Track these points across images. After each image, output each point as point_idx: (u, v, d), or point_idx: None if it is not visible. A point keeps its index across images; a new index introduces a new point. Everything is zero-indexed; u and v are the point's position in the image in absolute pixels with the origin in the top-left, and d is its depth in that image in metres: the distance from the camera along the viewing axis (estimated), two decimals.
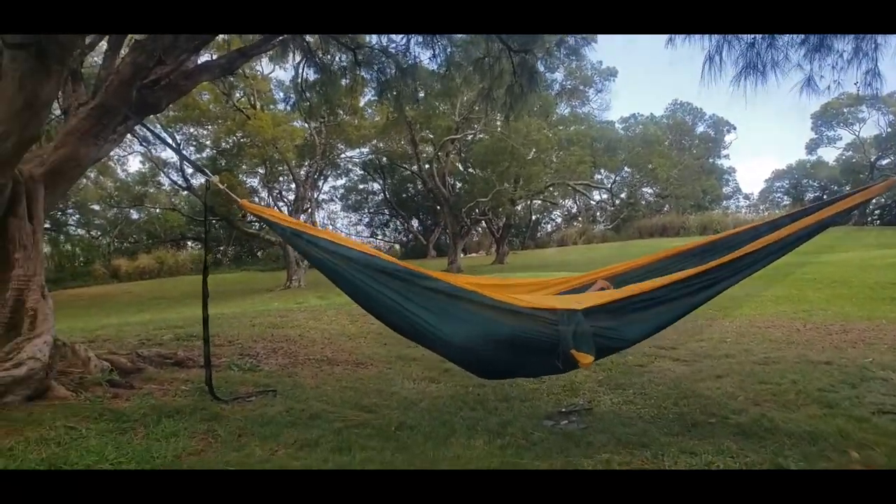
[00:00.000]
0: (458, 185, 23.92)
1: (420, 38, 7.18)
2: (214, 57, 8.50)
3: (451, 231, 22.32)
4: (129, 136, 13.16)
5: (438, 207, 24.98)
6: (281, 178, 23.91)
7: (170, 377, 4.54)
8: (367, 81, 8.51)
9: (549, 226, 39.49)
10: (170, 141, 17.16)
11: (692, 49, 4.58)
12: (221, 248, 29.60)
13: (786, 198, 39.37)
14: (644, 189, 39.01)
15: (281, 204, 23.76)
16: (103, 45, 6.00)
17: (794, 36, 4.51)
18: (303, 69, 8.43)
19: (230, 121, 18.22)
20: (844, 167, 34.57)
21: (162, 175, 22.38)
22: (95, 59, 9.44)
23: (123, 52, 5.22)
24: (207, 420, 3.53)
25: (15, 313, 4.02)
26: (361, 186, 33.95)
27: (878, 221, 30.58)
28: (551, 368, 3.27)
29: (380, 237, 36.04)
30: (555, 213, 38.20)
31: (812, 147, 37.31)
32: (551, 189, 25.74)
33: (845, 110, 32.60)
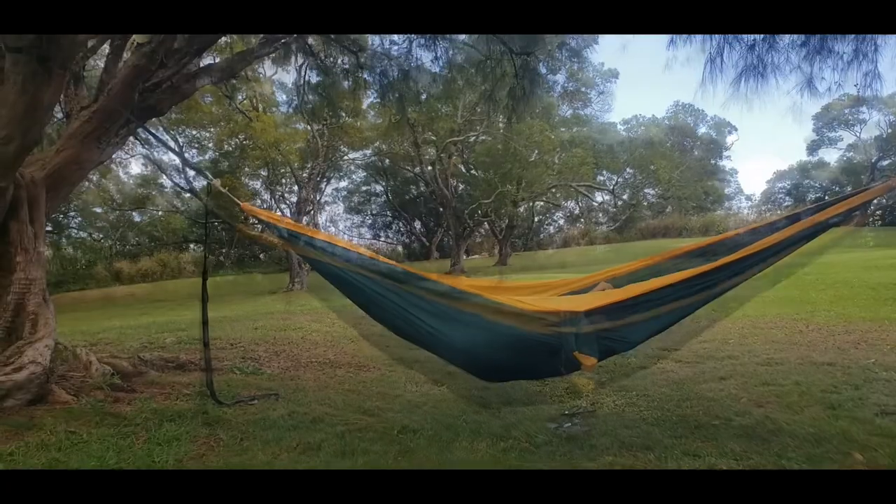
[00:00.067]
0: (461, 186, 23.92)
1: (422, 41, 7.17)
2: (216, 60, 8.50)
3: (453, 233, 22.35)
4: (130, 138, 13.19)
5: (441, 209, 25.01)
6: (283, 181, 23.92)
7: (172, 381, 4.53)
8: (369, 83, 8.51)
9: (551, 227, 39.39)
10: (172, 144, 17.27)
11: (693, 51, 4.59)
12: (224, 251, 29.59)
13: (787, 198, 39.29)
14: (646, 190, 38.82)
15: (283, 206, 23.77)
16: (105, 48, 6.00)
17: (795, 38, 4.50)
18: (305, 71, 8.46)
19: (233, 123, 18.21)
20: (845, 168, 34.48)
21: (164, 177, 22.46)
22: (97, 62, 9.45)
23: (126, 55, 5.24)
24: (209, 424, 3.52)
25: (16, 317, 4.02)
26: (364, 188, 33.90)
27: (880, 222, 30.47)
28: (554, 371, 3.25)
29: (382, 239, 36.02)
30: (557, 214, 38.06)
31: (813, 148, 37.25)
32: (553, 190, 25.75)
33: (846, 111, 32.54)
